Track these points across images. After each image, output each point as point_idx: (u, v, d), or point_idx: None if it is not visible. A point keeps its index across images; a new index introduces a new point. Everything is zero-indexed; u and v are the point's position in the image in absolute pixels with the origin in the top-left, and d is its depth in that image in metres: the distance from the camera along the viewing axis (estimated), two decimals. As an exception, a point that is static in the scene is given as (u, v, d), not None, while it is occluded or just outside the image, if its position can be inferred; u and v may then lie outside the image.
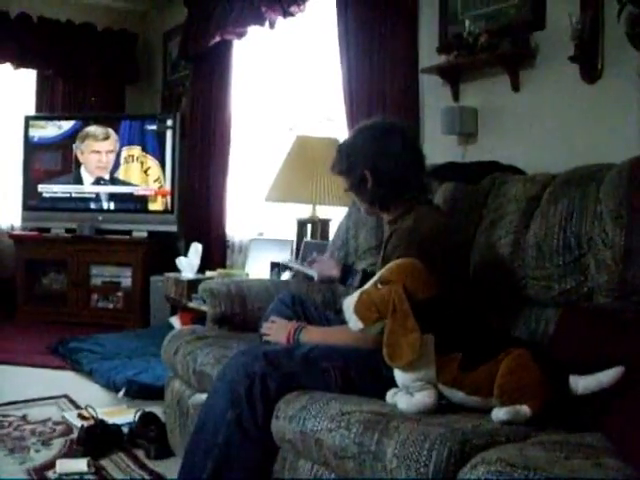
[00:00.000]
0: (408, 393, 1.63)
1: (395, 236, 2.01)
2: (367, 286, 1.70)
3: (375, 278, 1.70)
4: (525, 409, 1.52)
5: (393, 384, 1.69)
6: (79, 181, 5.48)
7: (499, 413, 1.53)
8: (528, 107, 2.94)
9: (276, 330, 2.09)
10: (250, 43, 4.86)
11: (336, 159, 2.16)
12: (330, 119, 4.19)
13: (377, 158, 2.04)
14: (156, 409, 2.82)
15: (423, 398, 1.60)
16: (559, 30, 2.73)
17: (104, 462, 2.50)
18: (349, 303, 1.67)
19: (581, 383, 1.53)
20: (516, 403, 1.53)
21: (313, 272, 2.39)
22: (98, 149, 5.45)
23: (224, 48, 4.96)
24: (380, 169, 2.04)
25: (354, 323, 1.66)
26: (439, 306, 1.66)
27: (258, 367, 1.80)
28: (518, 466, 1.21)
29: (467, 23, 3.02)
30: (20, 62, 5.61)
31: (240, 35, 4.74)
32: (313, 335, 2.02)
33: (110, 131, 5.43)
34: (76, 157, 5.47)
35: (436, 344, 1.61)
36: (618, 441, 1.35)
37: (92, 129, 5.46)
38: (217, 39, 4.83)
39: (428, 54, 3.33)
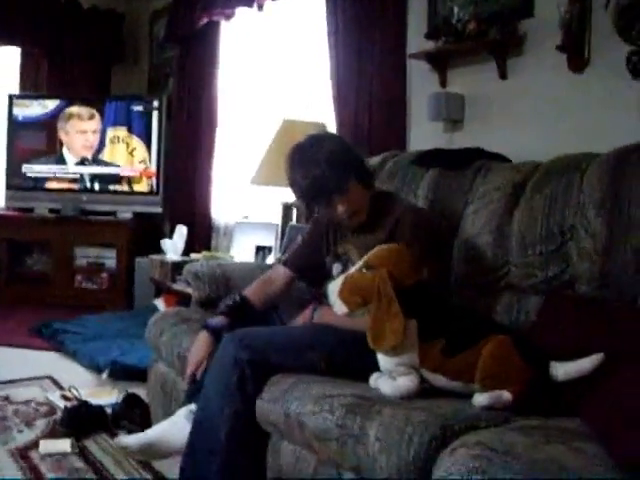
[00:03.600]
0: (391, 377, 1.65)
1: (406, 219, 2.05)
2: (352, 271, 1.71)
3: (360, 263, 1.71)
4: (506, 395, 1.54)
5: (377, 369, 1.71)
6: (62, 161, 5.43)
7: (480, 398, 1.55)
8: (515, 95, 2.94)
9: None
10: (238, 25, 4.83)
11: (338, 167, 2.02)
12: (317, 102, 4.18)
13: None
14: (140, 390, 2.83)
15: (405, 382, 1.62)
16: (547, 19, 2.73)
17: (87, 443, 2.51)
18: (334, 287, 1.68)
19: (561, 370, 1.55)
20: (497, 389, 1.55)
21: None
22: (85, 129, 5.39)
23: (211, 30, 4.92)
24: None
25: (339, 307, 1.67)
26: (423, 292, 1.68)
27: (245, 354, 1.81)
28: (497, 450, 1.23)
29: (456, 10, 3.02)
30: (4, 39, 5.54)
31: (228, 16, 4.70)
32: (326, 317, 2.02)
33: (94, 111, 5.39)
34: (59, 137, 5.43)
35: (419, 330, 1.63)
36: (596, 426, 1.37)
37: (75, 109, 5.40)
38: (204, 20, 4.79)
39: (416, 40, 3.32)
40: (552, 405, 1.57)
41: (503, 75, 2.97)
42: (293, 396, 1.69)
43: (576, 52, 2.65)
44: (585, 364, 1.53)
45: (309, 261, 2.29)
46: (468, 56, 3.09)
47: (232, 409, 1.78)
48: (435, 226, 2.13)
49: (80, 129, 5.39)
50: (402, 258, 1.70)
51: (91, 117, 5.38)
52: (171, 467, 2.11)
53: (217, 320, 2.10)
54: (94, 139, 5.38)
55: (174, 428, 1.97)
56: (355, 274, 1.68)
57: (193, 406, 1.96)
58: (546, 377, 1.56)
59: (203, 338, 2.08)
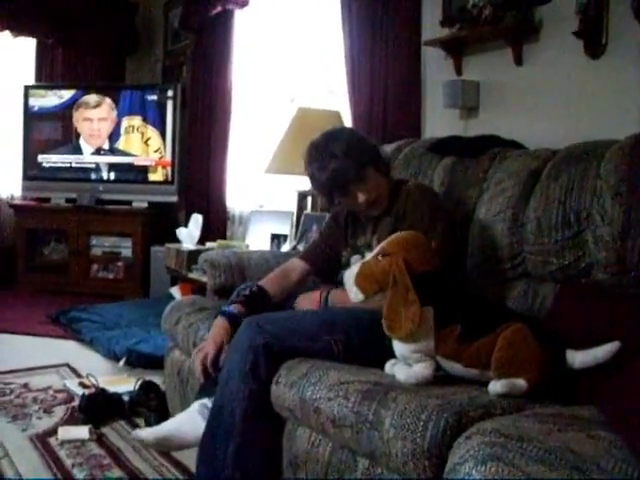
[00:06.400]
0: (407, 364, 1.65)
1: (413, 206, 2.08)
2: (368, 258, 1.71)
3: (376, 250, 1.71)
4: (521, 382, 1.54)
5: (393, 355, 1.71)
6: (79, 151, 5.47)
7: (496, 386, 1.55)
8: (531, 82, 2.92)
9: (302, 303, 2.17)
10: (252, 13, 4.82)
11: (354, 157, 2.05)
12: (332, 91, 4.17)
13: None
14: (156, 378, 2.85)
15: (421, 369, 1.62)
16: (564, 4, 2.70)
17: (105, 430, 2.54)
18: (350, 275, 1.68)
19: (578, 358, 1.55)
20: (513, 376, 1.55)
21: None
22: (89, 117, 5.43)
23: (226, 18, 4.92)
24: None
25: (355, 294, 1.67)
26: (439, 279, 1.67)
27: (260, 339, 1.82)
28: (512, 437, 1.23)
29: (471, -5, 3.00)
30: (19, 30, 5.57)
31: (242, 5, 4.70)
32: (338, 298, 2.06)
33: (105, 99, 5.40)
34: (75, 127, 5.46)
35: (435, 316, 1.62)
36: (611, 414, 1.37)
37: (86, 97, 5.43)
38: (219, 9, 4.79)
39: (431, 27, 3.30)
40: (568, 393, 1.56)
41: (519, 62, 2.94)
42: (309, 382, 1.69)
43: (593, 38, 2.62)
44: (601, 352, 1.52)
45: (326, 255, 2.32)
46: (483, 43, 3.07)
47: (247, 390, 1.80)
48: (447, 207, 2.23)
49: (85, 117, 5.42)
50: (418, 245, 1.70)
51: (97, 105, 5.39)
52: (188, 452, 2.13)
53: (233, 307, 2.12)
54: (99, 128, 5.39)
55: (188, 422, 2.00)
56: (371, 261, 1.68)
57: (207, 400, 1.98)
58: (562, 365, 1.56)
59: (221, 324, 2.08)
